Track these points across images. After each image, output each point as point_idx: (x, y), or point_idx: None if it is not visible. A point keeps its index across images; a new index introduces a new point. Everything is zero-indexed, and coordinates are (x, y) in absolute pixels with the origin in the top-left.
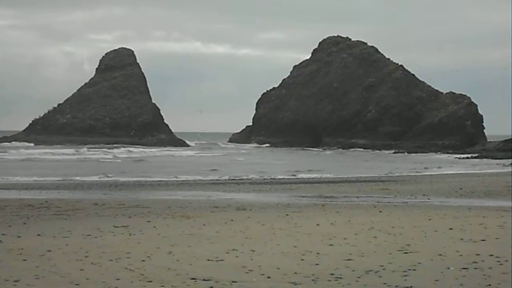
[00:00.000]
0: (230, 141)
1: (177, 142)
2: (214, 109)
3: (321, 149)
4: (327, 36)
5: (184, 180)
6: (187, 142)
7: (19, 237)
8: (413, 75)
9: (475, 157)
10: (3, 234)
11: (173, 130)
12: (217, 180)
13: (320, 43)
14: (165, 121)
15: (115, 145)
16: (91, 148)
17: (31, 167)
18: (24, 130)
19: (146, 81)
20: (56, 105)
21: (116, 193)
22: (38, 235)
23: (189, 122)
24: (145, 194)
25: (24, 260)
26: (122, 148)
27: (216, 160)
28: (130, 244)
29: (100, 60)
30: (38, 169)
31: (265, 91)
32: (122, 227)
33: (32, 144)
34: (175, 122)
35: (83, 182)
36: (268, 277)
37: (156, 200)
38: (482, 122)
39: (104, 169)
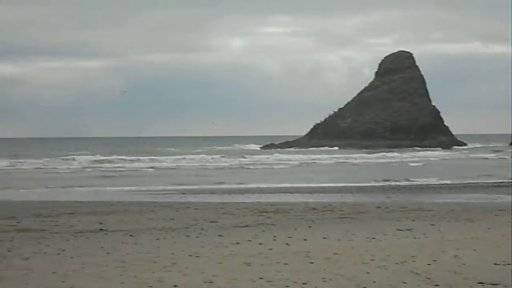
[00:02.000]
0: None
1: (458, 144)
2: (494, 108)
3: None
4: None
5: (467, 183)
6: (468, 144)
7: (305, 240)
8: None
9: None
10: (289, 237)
11: (453, 132)
12: (501, 182)
13: None
14: (444, 123)
15: (393, 149)
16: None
17: (348, 170)
18: (306, 135)
19: (425, 84)
20: (336, 110)
21: (399, 197)
22: (324, 238)
23: (469, 124)
24: (428, 197)
25: (311, 262)
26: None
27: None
28: (414, 247)
29: (379, 64)
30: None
31: None
32: (406, 230)
33: (336, 148)
34: (455, 123)
35: (366, 186)
36: None
37: (439, 203)
38: None
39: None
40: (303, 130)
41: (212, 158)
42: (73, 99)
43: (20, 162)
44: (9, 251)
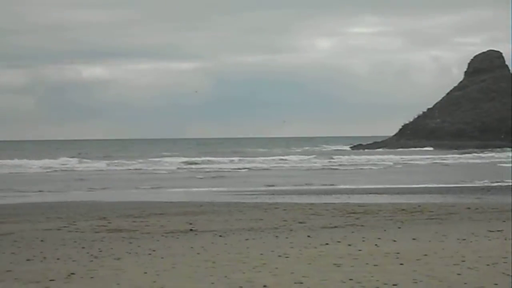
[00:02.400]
0: None
1: None
2: None
3: None
4: None
5: None
6: None
7: (394, 241)
8: None
9: None
10: (379, 238)
11: None
12: None
13: None
14: None
15: (483, 149)
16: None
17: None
18: (394, 135)
19: None
20: (425, 110)
21: (489, 197)
22: (413, 239)
23: None
24: None
25: (401, 264)
26: None
27: None
28: (506, 248)
29: (469, 63)
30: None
31: None
32: (497, 232)
33: (430, 149)
34: None
35: (456, 187)
36: None
37: None
38: None
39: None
40: (390, 130)
41: (303, 159)
42: (162, 101)
43: (114, 163)
44: (100, 251)
